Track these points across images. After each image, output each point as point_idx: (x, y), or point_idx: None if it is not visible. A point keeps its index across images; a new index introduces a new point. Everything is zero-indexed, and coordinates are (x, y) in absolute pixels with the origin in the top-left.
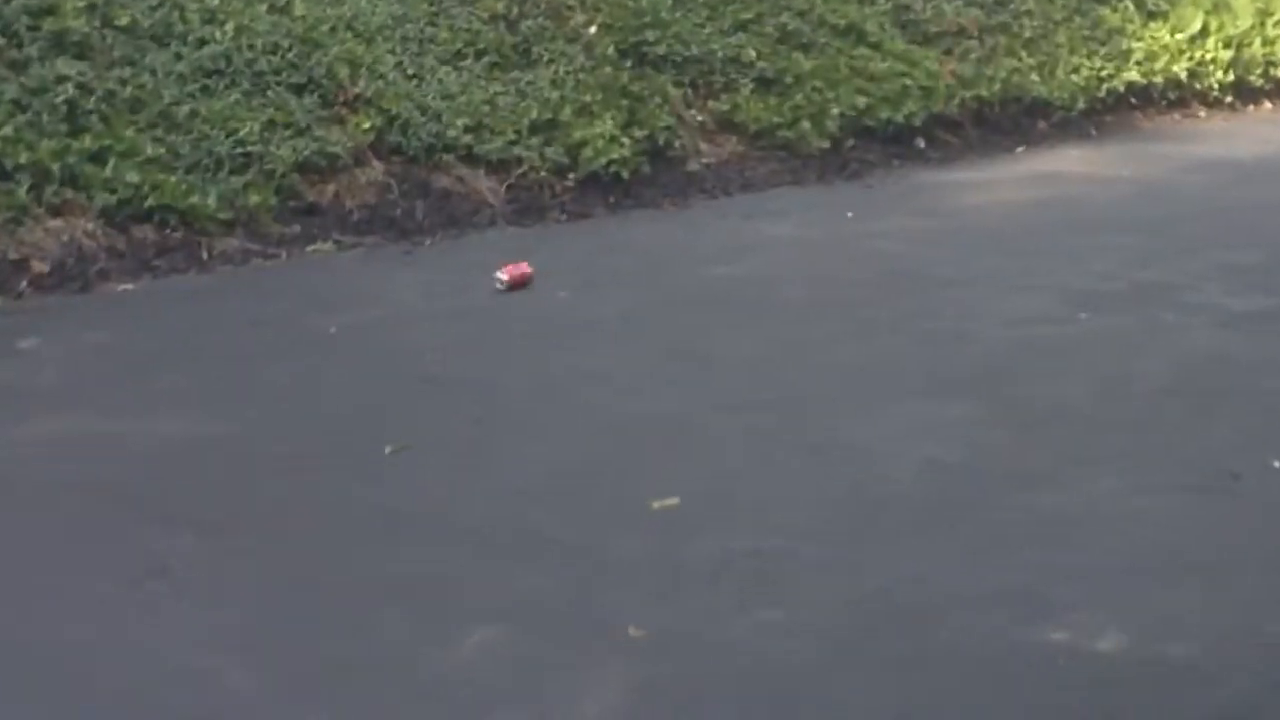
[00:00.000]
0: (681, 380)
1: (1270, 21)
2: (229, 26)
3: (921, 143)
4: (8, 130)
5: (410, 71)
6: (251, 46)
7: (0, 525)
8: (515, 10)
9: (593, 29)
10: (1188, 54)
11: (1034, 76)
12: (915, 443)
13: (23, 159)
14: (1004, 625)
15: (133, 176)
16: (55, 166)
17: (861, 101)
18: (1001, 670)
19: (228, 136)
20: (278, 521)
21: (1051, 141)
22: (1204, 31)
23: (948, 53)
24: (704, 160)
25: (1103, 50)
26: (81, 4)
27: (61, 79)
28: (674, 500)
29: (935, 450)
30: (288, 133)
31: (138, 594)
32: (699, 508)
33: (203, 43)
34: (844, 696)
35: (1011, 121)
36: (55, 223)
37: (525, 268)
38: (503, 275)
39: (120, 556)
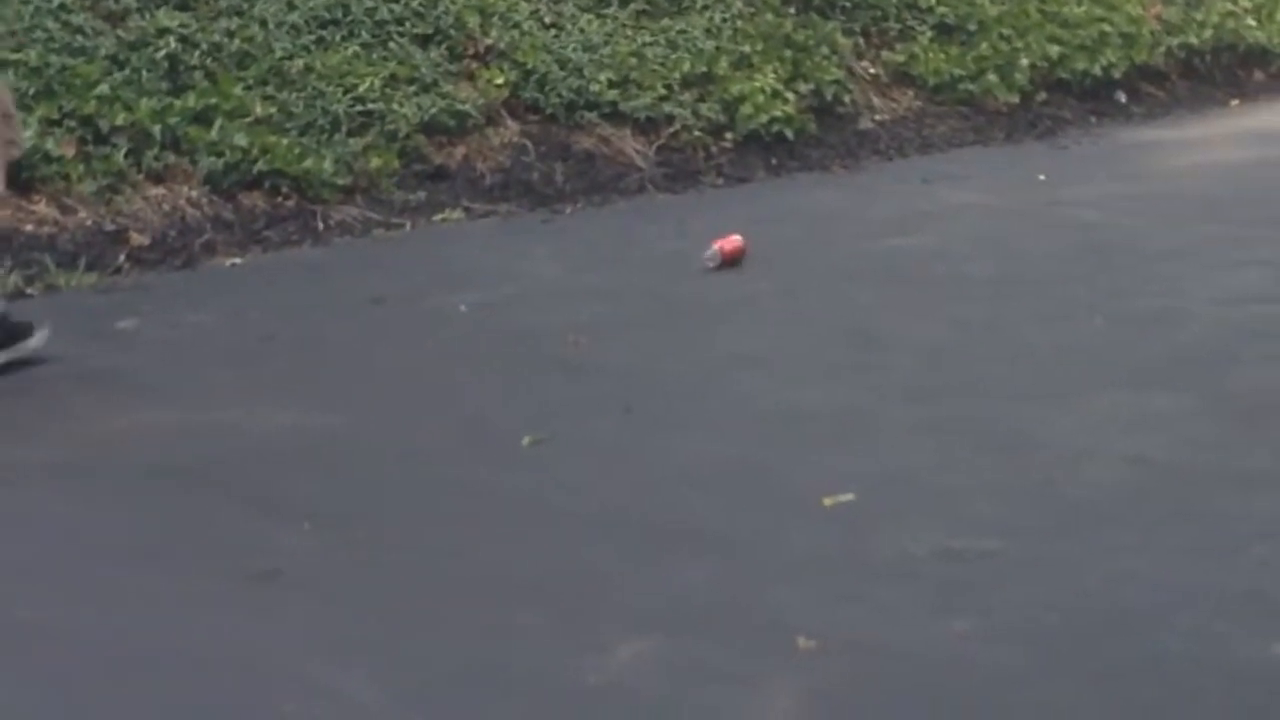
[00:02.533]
0: (853, 365)
1: None
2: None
3: (1122, 97)
4: (104, 89)
5: (548, 20)
6: None
7: (99, 521)
8: None
9: None
10: None
11: (1250, 21)
12: (1117, 437)
13: (120, 120)
14: (1229, 631)
15: (240, 139)
16: (156, 128)
17: (1054, 51)
18: (1231, 680)
19: (345, 94)
20: (402, 517)
21: (1270, 94)
22: None
23: None
24: (877, 117)
25: None
26: None
27: (162, 31)
28: (848, 496)
29: (1141, 445)
30: (412, 89)
31: (248, 593)
32: (876, 504)
33: None
34: (1054, 710)
35: (1224, 72)
36: (156, 190)
37: (737, 240)
38: (716, 250)
39: (229, 553)
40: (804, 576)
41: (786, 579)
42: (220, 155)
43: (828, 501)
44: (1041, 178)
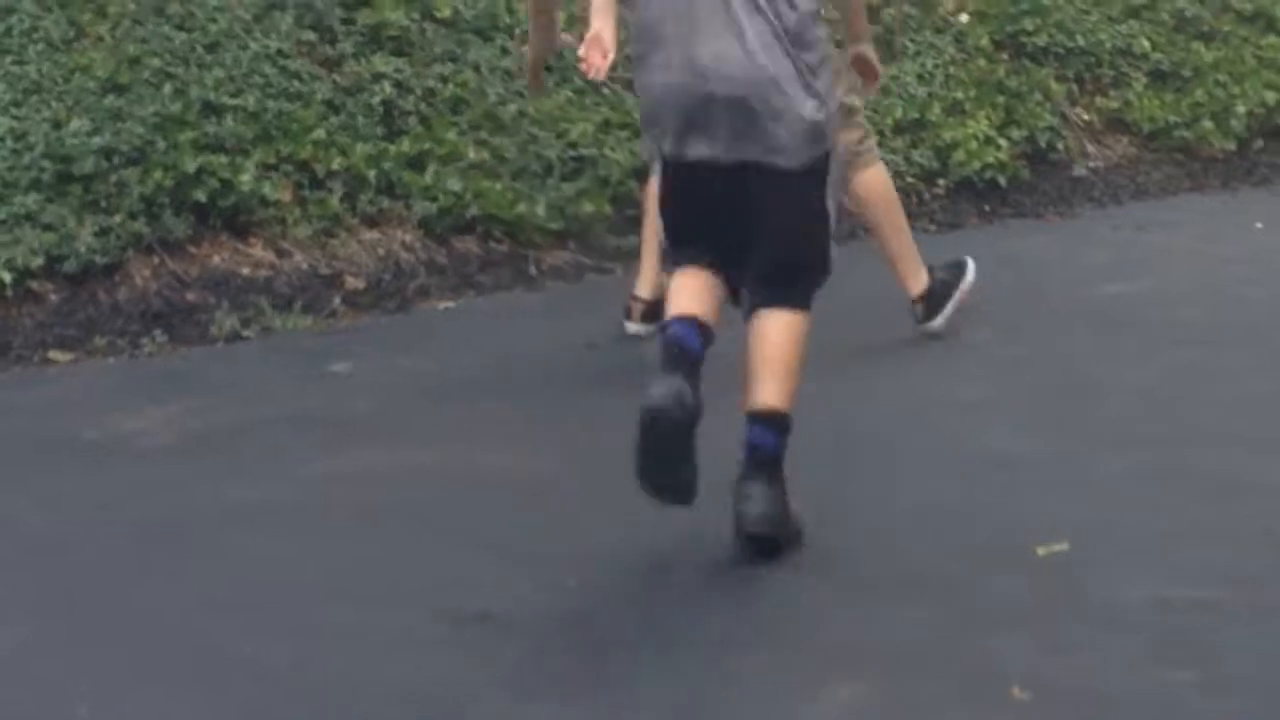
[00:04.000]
0: (1066, 411)
1: None
2: (560, 18)
3: None
4: (320, 133)
5: None
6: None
7: (313, 561)
8: None
9: (964, 17)
10: None
11: None
12: None
13: (335, 164)
14: None
15: (454, 184)
16: (371, 173)
17: (1271, 98)
18: None
19: (558, 138)
20: (611, 562)
21: None
22: None
23: None
24: (1091, 164)
25: None
26: None
27: (377, 77)
28: (1062, 545)
29: None
30: (624, 134)
31: (459, 634)
32: (1090, 552)
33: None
34: None
35: None
36: (370, 234)
37: None
38: None
39: (441, 594)
40: (1018, 625)
41: (1001, 627)
42: (434, 200)
43: (1041, 551)
44: (1259, 225)
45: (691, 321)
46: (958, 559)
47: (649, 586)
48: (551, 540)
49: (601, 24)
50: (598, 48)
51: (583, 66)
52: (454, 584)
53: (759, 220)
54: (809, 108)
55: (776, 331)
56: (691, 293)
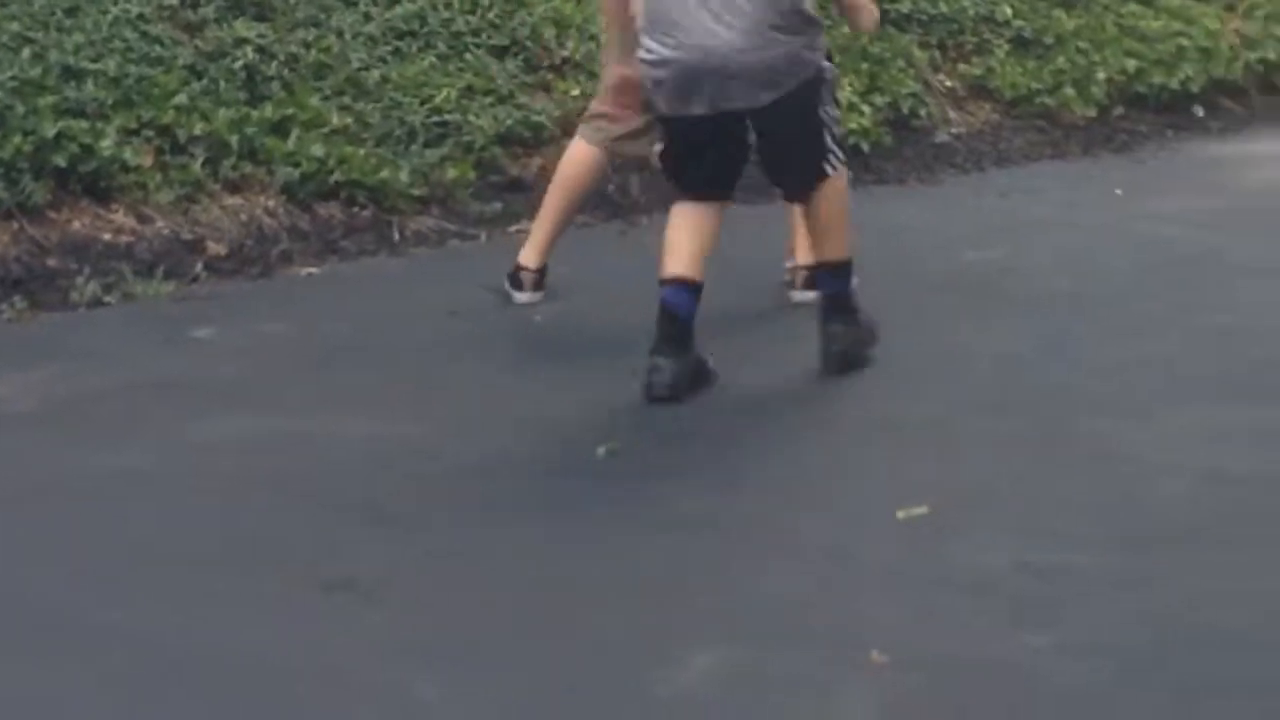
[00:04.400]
0: (931, 377)
1: None
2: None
3: (1200, 111)
4: (182, 99)
5: None
6: (448, 5)
7: (176, 528)
8: None
9: None
10: None
11: None
12: (1197, 452)
13: (198, 130)
14: None
15: (317, 149)
16: (233, 138)
17: (1131, 65)
18: None
19: (422, 104)
20: (478, 528)
21: None
22: None
23: (1230, 8)
24: (953, 131)
25: None
26: None
27: (240, 42)
28: (921, 509)
29: (1222, 460)
30: (488, 100)
31: (322, 600)
32: (951, 517)
33: (394, 1)
34: None
35: None
36: (233, 200)
37: None
38: None
39: (305, 561)
40: (881, 589)
41: (864, 592)
42: (297, 165)
43: (901, 514)
44: (1119, 192)
45: (683, 287)
46: (823, 524)
47: (507, 549)
48: (413, 506)
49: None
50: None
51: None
52: (319, 550)
53: (767, 147)
54: (792, 46)
55: (817, 207)
56: (685, 240)
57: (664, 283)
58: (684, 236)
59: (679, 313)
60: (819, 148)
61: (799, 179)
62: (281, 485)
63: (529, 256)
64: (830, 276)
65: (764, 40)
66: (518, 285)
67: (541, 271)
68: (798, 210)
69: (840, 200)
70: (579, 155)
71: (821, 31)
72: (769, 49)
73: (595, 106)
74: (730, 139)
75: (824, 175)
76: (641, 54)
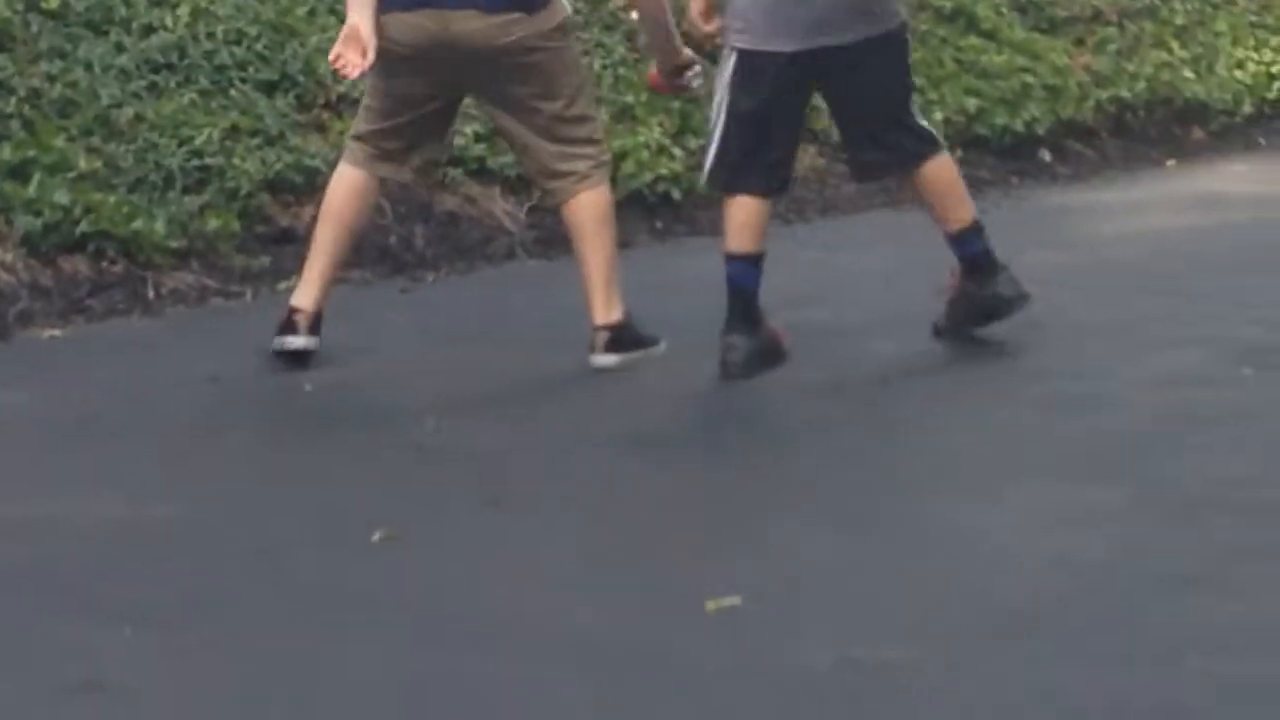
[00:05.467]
0: (745, 453)
1: None
2: (182, 11)
3: (1047, 155)
4: None
5: None
6: (210, 35)
7: None
8: None
9: (636, 14)
10: None
11: (1187, 73)
12: (1042, 535)
13: None
14: None
15: (62, 196)
16: None
17: (972, 104)
18: None
19: (180, 146)
20: (240, 620)
21: (1210, 154)
22: None
23: (1079, 43)
24: None
25: (1274, 41)
26: None
27: None
28: (734, 599)
29: (1068, 544)
30: (255, 142)
31: (62, 706)
32: (770, 609)
33: (150, 30)
34: None
35: (1160, 129)
36: None
37: None
38: None
39: (43, 662)
40: (693, 690)
41: (675, 694)
42: (39, 214)
43: (711, 606)
44: None
45: (746, 260)
46: (623, 618)
47: (273, 646)
48: (169, 598)
49: (359, 17)
50: (356, 45)
51: (336, 65)
52: (60, 652)
53: (853, 106)
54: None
55: (932, 175)
56: (742, 214)
57: (729, 259)
58: (741, 212)
59: (746, 287)
60: (910, 112)
61: (909, 138)
62: (14, 579)
63: (302, 298)
64: (975, 236)
65: None
66: (291, 329)
67: (318, 315)
68: (597, 263)
69: (950, 163)
70: (345, 180)
71: None
72: None
73: (356, 124)
74: (795, 113)
75: (932, 140)
76: None
